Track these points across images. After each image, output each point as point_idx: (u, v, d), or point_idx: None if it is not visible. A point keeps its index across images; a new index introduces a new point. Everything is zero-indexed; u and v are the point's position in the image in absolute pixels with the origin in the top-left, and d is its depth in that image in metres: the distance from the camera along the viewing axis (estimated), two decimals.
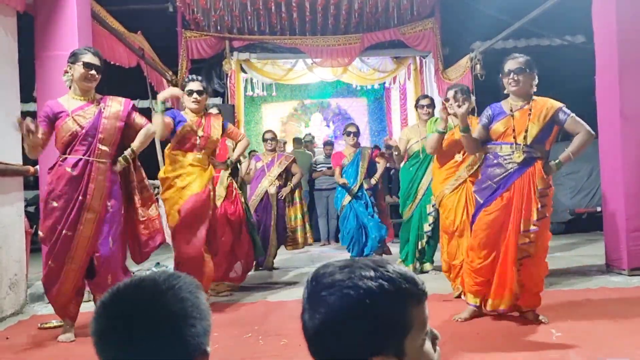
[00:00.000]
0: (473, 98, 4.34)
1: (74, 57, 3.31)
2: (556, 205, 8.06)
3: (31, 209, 7.74)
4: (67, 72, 3.33)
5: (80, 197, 3.24)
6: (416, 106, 5.24)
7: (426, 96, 5.50)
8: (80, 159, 3.27)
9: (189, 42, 8.20)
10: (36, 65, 4.58)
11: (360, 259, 0.93)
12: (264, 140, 6.21)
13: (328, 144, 8.78)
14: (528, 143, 3.28)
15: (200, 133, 4.05)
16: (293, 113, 11.82)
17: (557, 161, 3.30)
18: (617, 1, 4.80)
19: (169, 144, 4.12)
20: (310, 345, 0.93)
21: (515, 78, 3.32)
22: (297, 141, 9.26)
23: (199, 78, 4.23)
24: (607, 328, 3.12)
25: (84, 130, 3.27)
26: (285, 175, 6.11)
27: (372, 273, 0.88)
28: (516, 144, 3.29)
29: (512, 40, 8.76)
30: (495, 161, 3.37)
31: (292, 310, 4.05)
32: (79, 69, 3.28)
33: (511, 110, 3.35)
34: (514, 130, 3.31)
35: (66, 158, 3.29)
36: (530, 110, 3.31)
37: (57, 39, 4.53)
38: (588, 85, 5.46)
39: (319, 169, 8.34)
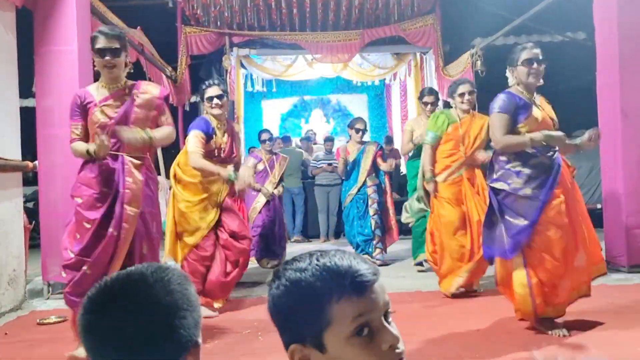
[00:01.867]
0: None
1: (92, 44, 2.95)
2: None
3: (30, 204, 7.74)
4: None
5: (119, 192, 2.90)
6: (422, 101, 5.17)
7: (432, 91, 5.29)
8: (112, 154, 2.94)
9: (189, 38, 8.17)
10: (35, 60, 4.56)
11: (326, 250, 0.95)
12: (262, 141, 6.18)
13: (329, 139, 8.77)
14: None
15: (223, 146, 3.94)
16: (293, 109, 11.80)
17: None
18: None
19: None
20: None
21: (540, 69, 3.12)
22: (285, 139, 9.21)
23: (216, 82, 4.01)
24: (607, 324, 3.11)
25: (111, 122, 2.93)
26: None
27: (304, 264, 0.92)
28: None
29: (513, 37, 8.74)
30: (538, 156, 3.07)
31: None
32: (95, 57, 2.95)
33: (532, 101, 3.17)
34: (543, 121, 3.12)
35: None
36: (539, 102, 3.21)
37: (56, 34, 4.52)
38: (589, 82, 5.45)
39: (319, 165, 8.33)
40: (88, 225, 2.88)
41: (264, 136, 6.21)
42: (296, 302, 0.90)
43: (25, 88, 4.66)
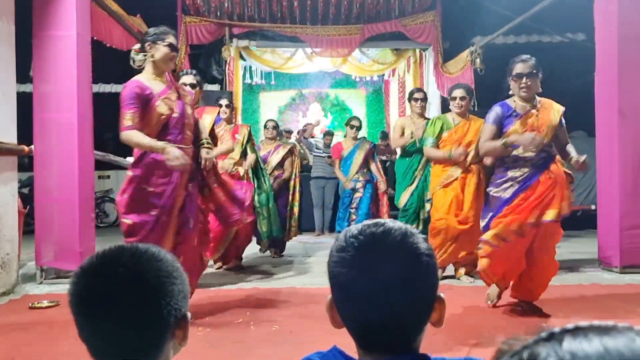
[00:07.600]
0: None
1: (154, 37, 3.16)
2: None
3: (25, 190, 7.71)
4: (142, 52, 3.17)
5: (175, 184, 3.09)
6: (410, 99, 5.28)
7: (420, 90, 5.60)
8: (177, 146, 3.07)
9: (189, 28, 8.14)
10: (34, 44, 4.54)
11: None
12: (265, 127, 6.21)
13: (328, 134, 8.76)
14: (545, 142, 3.25)
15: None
16: (291, 102, 11.79)
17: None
18: (620, 0, 4.79)
19: None
20: (370, 296, 0.87)
21: (528, 83, 3.25)
22: (279, 133, 9.15)
23: (193, 72, 4.16)
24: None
25: (176, 115, 3.12)
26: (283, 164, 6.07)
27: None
28: None
29: (513, 36, 8.74)
30: (516, 163, 3.29)
31: (285, 297, 4.05)
32: (163, 49, 3.15)
33: (520, 111, 3.32)
34: (530, 130, 3.25)
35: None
36: (538, 111, 3.30)
37: (55, 19, 4.49)
38: (587, 83, 5.46)
39: (322, 155, 8.29)
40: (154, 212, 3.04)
41: (269, 124, 6.15)
42: (435, 266, 0.94)
43: (23, 73, 4.63)
